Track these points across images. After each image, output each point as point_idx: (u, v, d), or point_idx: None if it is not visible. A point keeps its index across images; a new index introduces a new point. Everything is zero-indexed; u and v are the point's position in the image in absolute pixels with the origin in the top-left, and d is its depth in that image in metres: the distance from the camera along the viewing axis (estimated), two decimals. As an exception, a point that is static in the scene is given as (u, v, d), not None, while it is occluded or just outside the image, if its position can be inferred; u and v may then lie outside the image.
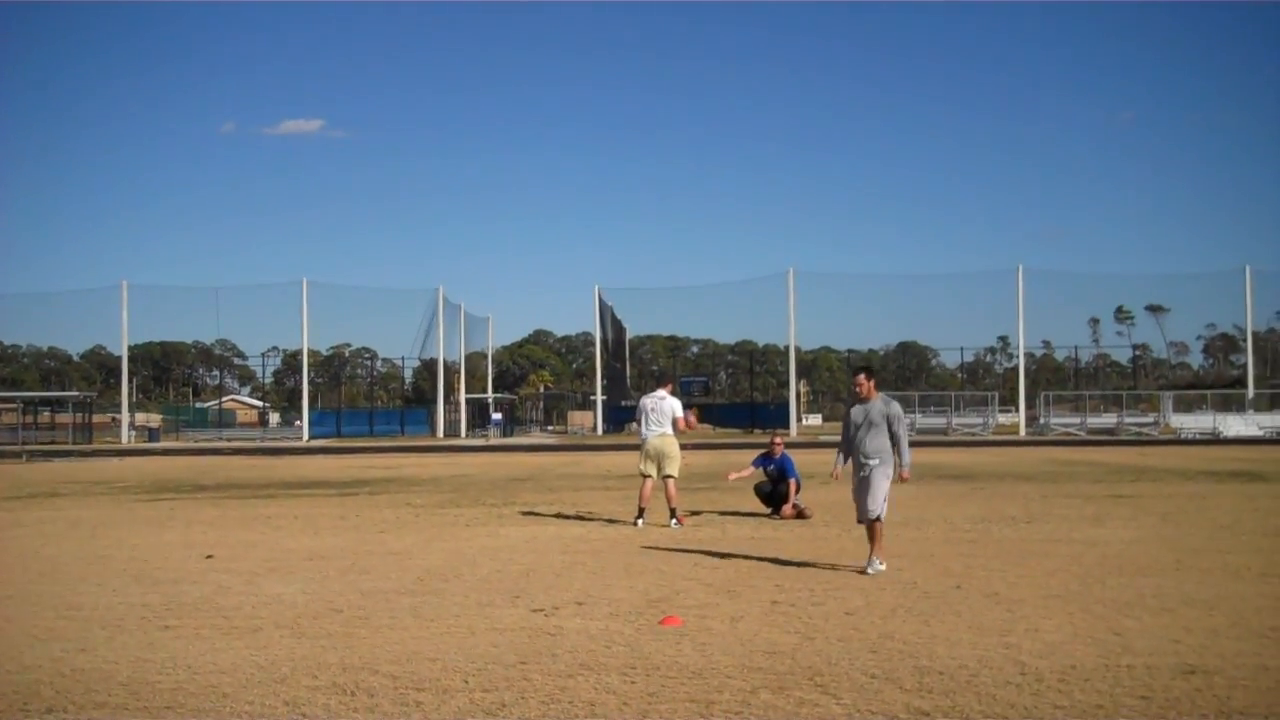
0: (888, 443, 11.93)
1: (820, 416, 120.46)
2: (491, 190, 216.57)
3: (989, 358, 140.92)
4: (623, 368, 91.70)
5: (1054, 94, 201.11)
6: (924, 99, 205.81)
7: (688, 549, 13.65)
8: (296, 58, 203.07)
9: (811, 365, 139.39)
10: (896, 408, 12.07)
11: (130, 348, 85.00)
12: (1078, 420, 71.84)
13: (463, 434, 79.22)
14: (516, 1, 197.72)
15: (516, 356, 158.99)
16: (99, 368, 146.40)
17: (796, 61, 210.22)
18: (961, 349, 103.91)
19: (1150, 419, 72.19)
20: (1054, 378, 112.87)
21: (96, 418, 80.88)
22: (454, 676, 7.19)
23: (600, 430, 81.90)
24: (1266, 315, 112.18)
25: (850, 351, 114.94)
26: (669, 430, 16.45)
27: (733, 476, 18.97)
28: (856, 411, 12.00)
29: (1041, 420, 73.63)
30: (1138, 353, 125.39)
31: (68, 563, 13.02)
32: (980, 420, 73.24)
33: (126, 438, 75.38)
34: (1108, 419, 72.10)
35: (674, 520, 16.12)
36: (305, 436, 76.46)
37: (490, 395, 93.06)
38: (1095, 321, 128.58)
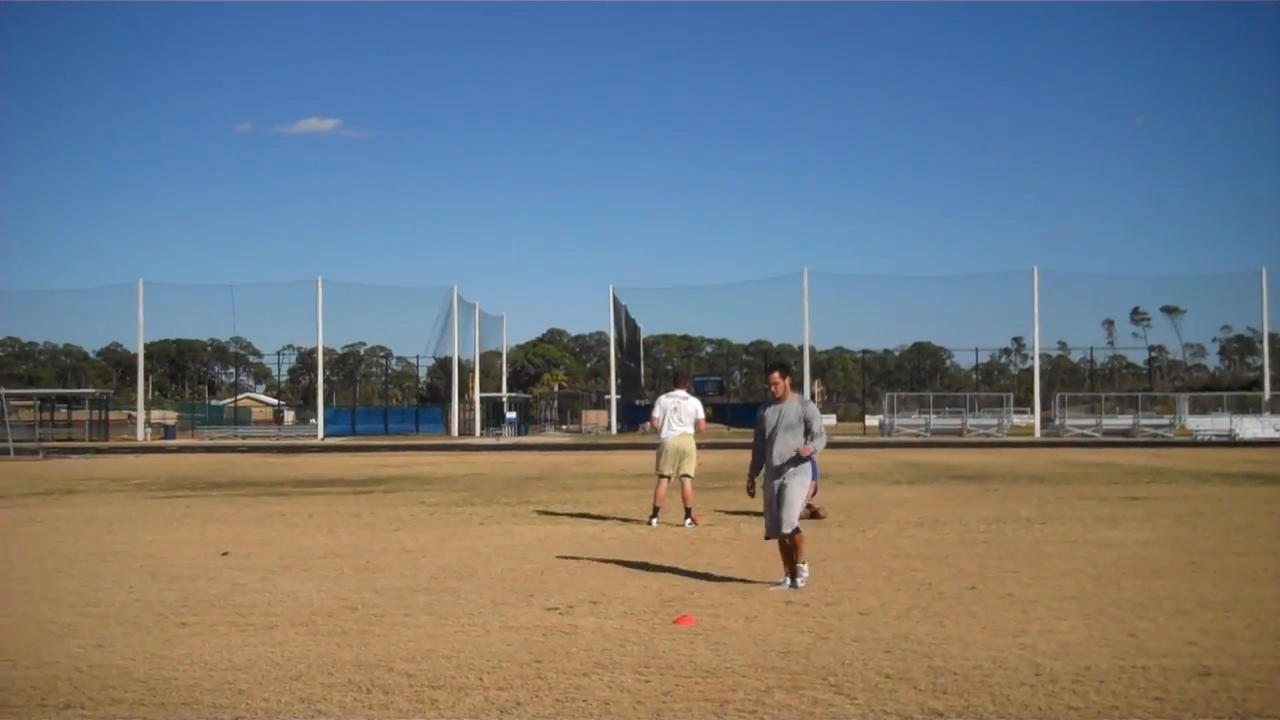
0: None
1: (835, 417, 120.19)
2: (507, 189, 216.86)
3: (1004, 359, 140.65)
4: (637, 367, 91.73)
5: (1068, 96, 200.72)
6: (939, 102, 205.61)
7: (702, 548, 13.65)
8: (312, 57, 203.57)
9: (826, 365, 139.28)
10: (814, 408, 10.95)
11: (146, 345, 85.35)
12: (1093, 422, 71.64)
13: (477, 433, 79.26)
14: (532, 1, 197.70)
15: (531, 355, 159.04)
16: (115, 365, 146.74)
17: (812, 63, 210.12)
18: (976, 350, 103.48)
19: (1166, 421, 71.95)
20: (1069, 379, 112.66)
21: (113, 415, 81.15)
22: (469, 674, 7.21)
23: (614, 429, 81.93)
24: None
25: (865, 352, 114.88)
26: (690, 430, 16.47)
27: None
28: (770, 413, 10.93)
29: (1056, 421, 73.44)
30: (1153, 354, 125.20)
31: (84, 559, 13.07)
32: (995, 421, 73.05)
33: (142, 435, 75.64)
34: (1123, 420, 71.88)
35: (689, 520, 16.16)
36: (320, 434, 76.57)
37: (505, 394, 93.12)
38: (1110, 323, 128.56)
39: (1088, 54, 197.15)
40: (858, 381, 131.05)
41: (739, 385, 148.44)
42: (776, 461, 10.62)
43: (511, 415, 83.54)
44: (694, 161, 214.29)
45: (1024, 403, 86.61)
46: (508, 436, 75.85)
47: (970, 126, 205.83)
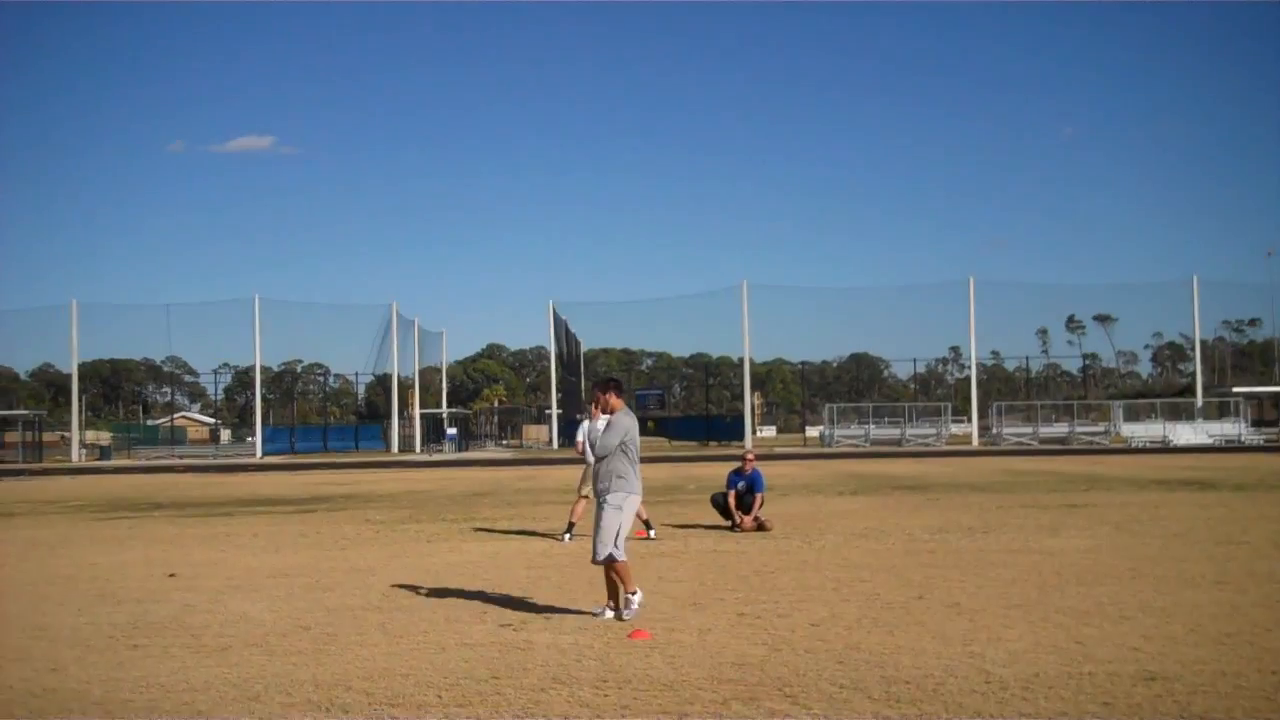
0: (626, 467, 9.92)
1: (774, 429, 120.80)
2: (445, 205, 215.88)
3: (941, 368, 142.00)
4: (577, 381, 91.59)
5: (998, 109, 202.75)
6: (874, 116, 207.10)
7: (651, 562, 13.72)
8: (245, 74, 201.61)
9: (766, 377, 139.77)
10: (621, 423, 10.03)
11: (79, 365, 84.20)
12: (1029, 430, 72.49)
13: (417, 449, 78.91)
14: (466, 18, 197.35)
15: (470, 371, 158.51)
16: (47, 385, 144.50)
17: (747, 78, 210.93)
18: (914, 360, 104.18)
19: (1101, 428, 72.94)
20: (1005, 388, 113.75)
21: (46, 436, 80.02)
22: (427, 692, 7.24)
23: (556, 444, 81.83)
24: (1213, 324, 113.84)
25: (804, 363, 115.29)
26: None
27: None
28: (590, 431, 10.14)
29: (994, 430, 74.25)
30: (1087, 362, 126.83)
31: (30, 582, 12.95)
32: (933, 431, 73.73)
33: (77, 456, 74.64)
34: (1059, 428, 72.81)
35: (651, 531, 16.46)
36: (259, 453, 75.93)
37: (445, 410, 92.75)
38: (1044, 332, 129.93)
39: (1017, 68, 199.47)
40: (797, 393, 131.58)
41: (679, 398, 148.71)
42: (598, 485, 9.98)
43: (452, 431, 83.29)
44: (632, 176, 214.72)
45: (961, 412, 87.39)
46: (448, 453, 75.58)
47: (905, 140, 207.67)
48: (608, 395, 10.29)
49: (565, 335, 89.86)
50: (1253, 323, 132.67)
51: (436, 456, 68.98)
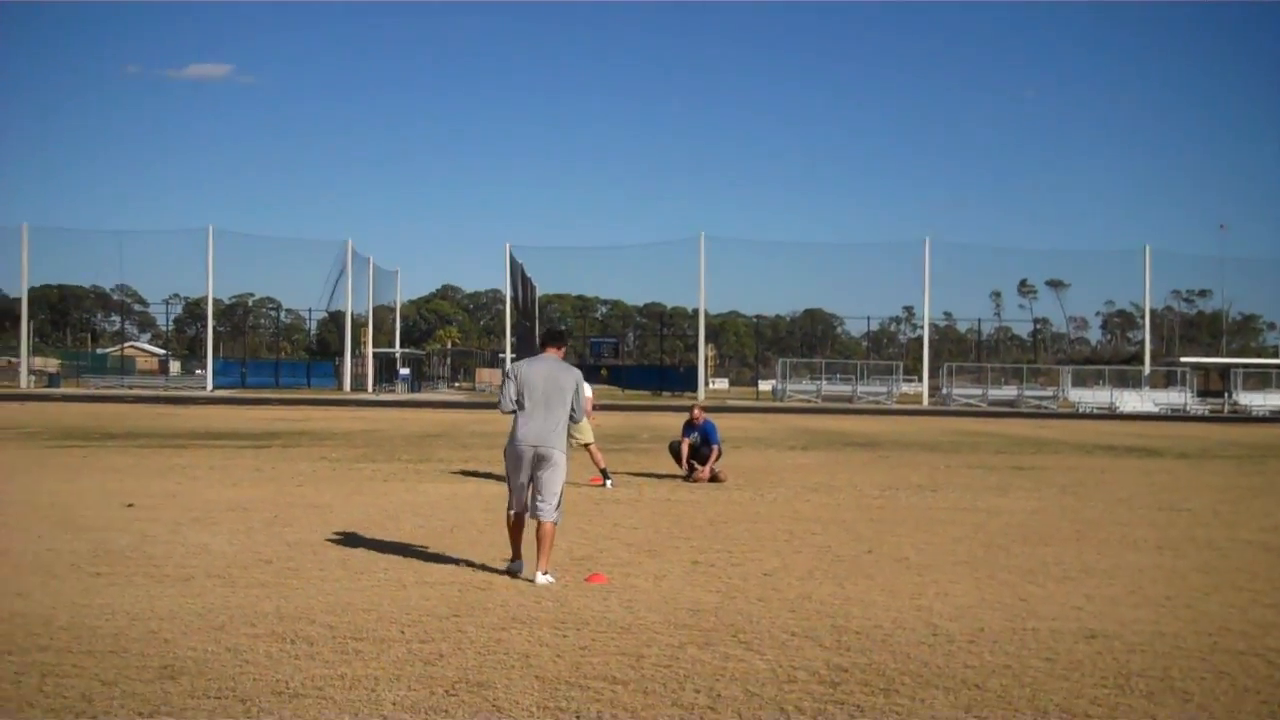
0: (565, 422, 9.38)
1: (727, 381, 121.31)
2: (404, 142, 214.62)
3: (894, 327, 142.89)
4: (532, 326, 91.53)
5: (960, 70, 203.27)
6: (837, 72, 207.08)
7: (606, 509, 13.92)
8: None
9: (720, 329, 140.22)
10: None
11: (28, 290, 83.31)
12: (979, 392, 73.20)
13: (369, 388, 78.79)
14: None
15: (424, 311, 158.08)
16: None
17: (713, 29, 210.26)
18: (868, 318, 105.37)
19: (1049, 393, 73.76)
20: (956, 349, 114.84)
21: (-7, 361, 79.40)
22: (390, 627, 7.39)
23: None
24: (1164, 294, 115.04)
25: (758, 317, 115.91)
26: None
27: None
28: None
29: (944, 391, 74.92)
30: (1038, 326, 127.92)
31: (-14, 508, 12.99)
32: (884, 389, 74.41)
33: (26, 382, 74.06)
34: (1008, 391, 73.53)
35: (608, 481, 16.67)
36: (209, 386, 75.60)
37: (398, 350, 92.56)
38: (998, 295, 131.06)
39: (978, 29, 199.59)
40: (750, 347, 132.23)
41: (632, 347, 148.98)
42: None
43: (405, 371, 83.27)
44: (592, 122, 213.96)
45: (913, 371, 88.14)
46: (400, 393, 75.54)
47: (868, 98, 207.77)
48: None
49: (521, 279, 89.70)
50: (1202, 294, 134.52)
51: (389, 396, 68.93)
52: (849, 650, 7.01)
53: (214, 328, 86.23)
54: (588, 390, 16.86)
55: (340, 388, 79.25)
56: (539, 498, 9.20)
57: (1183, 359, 79.79)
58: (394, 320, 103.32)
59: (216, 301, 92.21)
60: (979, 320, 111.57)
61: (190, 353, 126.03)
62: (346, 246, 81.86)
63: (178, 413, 40.86)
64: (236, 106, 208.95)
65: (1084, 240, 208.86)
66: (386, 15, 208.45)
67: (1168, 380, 75.20)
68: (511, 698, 5.91)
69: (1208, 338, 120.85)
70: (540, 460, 9.17)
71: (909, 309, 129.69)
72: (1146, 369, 77.10)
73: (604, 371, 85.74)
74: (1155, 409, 67.44)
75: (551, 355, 9.60)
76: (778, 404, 68.35)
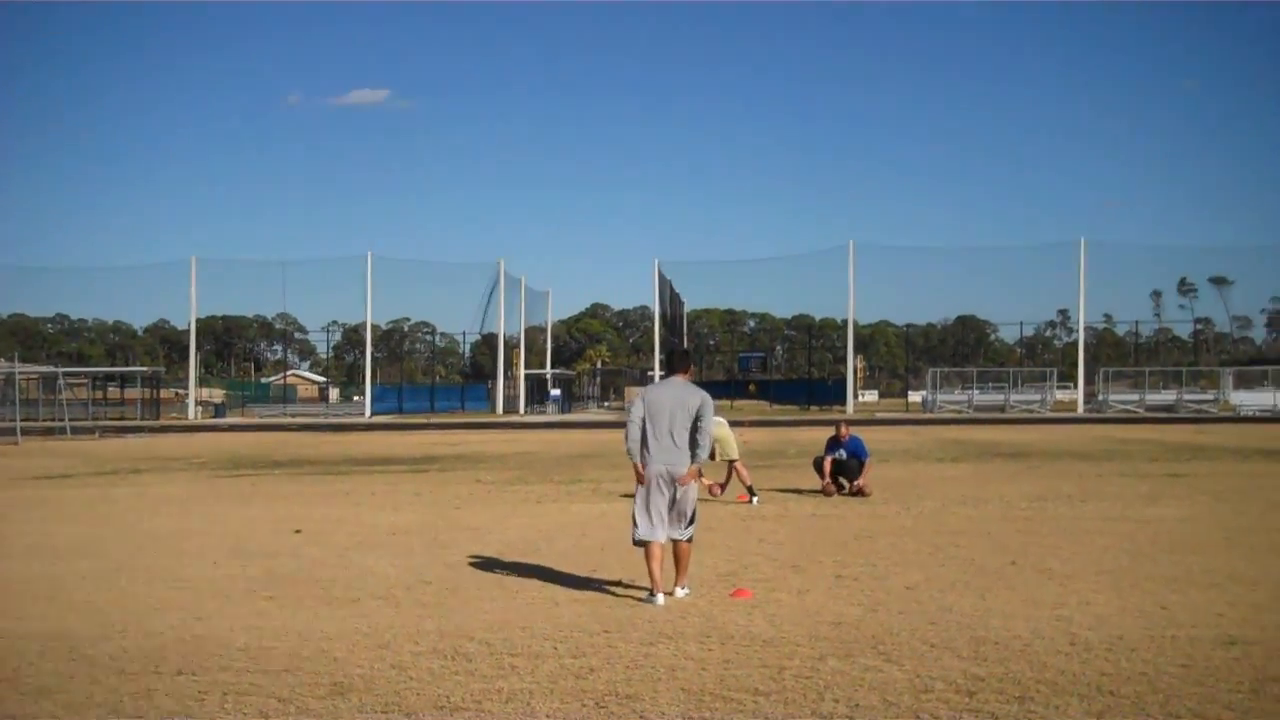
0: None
1: (877, 393, 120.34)
2: (554, 163, 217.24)
3: (1048, 332, 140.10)
4: (681, 342, 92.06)
5: (1115, 64, 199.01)
6: (985, 75, 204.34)
7: (752, 525, 14.21)
8: (362, 26, 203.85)
9: (869, 340, 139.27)
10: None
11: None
12: (1136, 397, 71.57)
13: (521, 410, 79.93)
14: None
15: (574, 330, 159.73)
16: (162, 342, 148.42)
17: (853, 39, 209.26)
18: (1021, 324, 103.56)
19: (1210, 396, 71.80)
20: (1114, 353, 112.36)
21: (162, 393, 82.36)
22: (544, 643, 7.80)
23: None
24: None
25: (909, 326, 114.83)
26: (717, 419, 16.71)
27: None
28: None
29: (1100, 397, 73.40)
30: (1199, 327, 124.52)
31: (166, 537, 13.77)
32: (1038, 397, 73.10)
33: (193, 413, 76.73)
34: (1167, 395, 71.74)
35: (754, 498, 16.98)
36: (368, 412, 77.45)
37: (549, 370, 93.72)
38: (1158, 295, 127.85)
39: (1134, 20, 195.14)
40: (900, 357, 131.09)
41: (780, 361, 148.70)
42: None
43: (556, 392, 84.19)
44: (738, 135, 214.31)
45: (1068, 377, 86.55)
46: (552, 414, 76.53)
47: (1016, 99, 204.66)
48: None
49: (669, 295, 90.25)
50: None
51: (540, 418, 69.94)
52: (986, 660, 7.21)
53: (371, 354, 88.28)
54: (729, 431, 17.16)
55: (493, 410, 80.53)
56: (676, 519, 9.48)
57: (1353, 356, 77.03)
58: (545, 341, 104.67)
59: (374, 327, 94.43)
60: (1136, 322, 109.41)
61: (348, 379, 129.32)
62: (499, 268, 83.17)
63: (338, 439, 42.13)
64: (394, 131, 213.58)
65: (1247, 235, 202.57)
66: (533, 39, 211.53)
67: (1336, 379, 72.67)
68: (658, 709, 6.25)
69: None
70: (674, 482, 9.44)
71: (1064, 312, 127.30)
72: (1313, 368, 74.63)
73: (752, 387, 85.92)
74: (1323, 409, 65.27)
75: (678, 379, 9.82)
76: (928, 415, 67.73)
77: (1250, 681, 6.64)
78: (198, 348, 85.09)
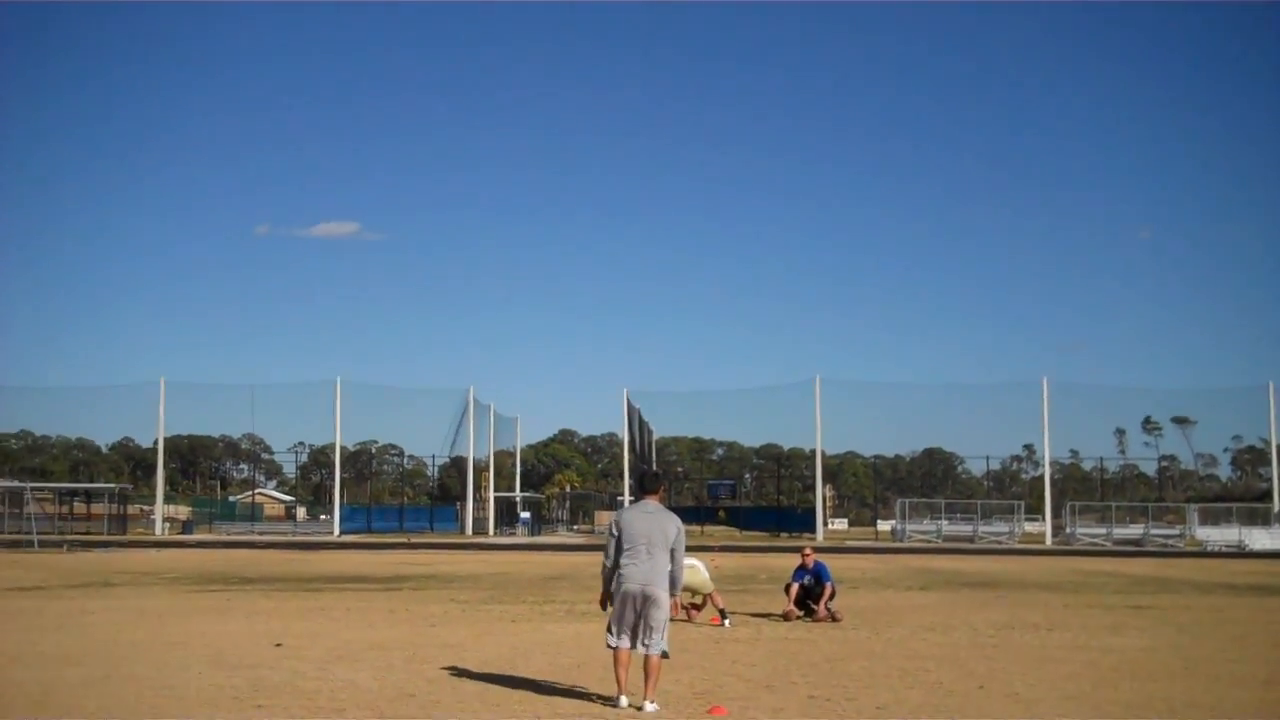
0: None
1: (846, 521, 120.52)
2: (521, 290, 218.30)
3: (1015, 466, 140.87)
4: (649, 469, 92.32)
5: (1075, 209, 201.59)
6: (951, 213, 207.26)
7: (726, 647, 14.47)
8: (331, 160, 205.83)
9: (837, 469, 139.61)
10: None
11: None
12: (1104, 531, 72.05)
13: (490, 531, 79.82)
14: (541, 98, 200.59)
15: (542, 455, 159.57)
16: (127, 459, 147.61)
17: (824, 165, 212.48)
18: (987, 457, 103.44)
19: (1176, 531, 72.32)
20: (1081, 487, 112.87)
21: (129, 509, 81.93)
22: (528, 754, 8.06)
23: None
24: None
25: (876, 457, 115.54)
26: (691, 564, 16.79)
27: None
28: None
29: (1067, 530, 73.82)
30: (1165, 464, 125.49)
31: (148, 647, 13.92)
32: (1006, 529, 73.53)
33: (160, 530, 76.26)
34: (1134, 530, 72.26)
35: (727, 620, 17.23)
36: (336, 531, 77.17)
37: (518, 494, 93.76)
38: (1121, 432, 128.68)
39: (1093, 168, 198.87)
40: (869, 487, 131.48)
41: (749, 489, 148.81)
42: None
43: (525, 515, 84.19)
44: (707, 268, 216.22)
45: (1036, 510, 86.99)
46: (521, 536, 76.43)
47: (981, 239, 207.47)
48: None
49: (638, 423, 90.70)
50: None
51: (510, 540, 69.85)
52: (954, 775, 7.51)
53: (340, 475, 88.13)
54: (701, 566, 17.50)
55: (462, 531, 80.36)
56: (646, 634, 9.93)
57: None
58: (514, 465, 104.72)
59: (342, 449, 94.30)
60: (1101, 458, 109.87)
61: (315, 499, 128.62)
62: (468, 394, 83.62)
63: (308, 558, 42.03)
64: (363, 262, 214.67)
65: (1208, 378, 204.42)
66: (500, 171, 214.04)
67: (1299, 517, 73.31)
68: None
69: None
70: (648, 600, 9.93)
71: (1029, 447, 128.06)
72: (1276, 505, 75.25)
73: (722, 514, 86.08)
74: (1286, 547, 65.78)
75: (651, 502, 10.38)
76: (897, 544, 67.93)
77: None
78: (164, 465, 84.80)
